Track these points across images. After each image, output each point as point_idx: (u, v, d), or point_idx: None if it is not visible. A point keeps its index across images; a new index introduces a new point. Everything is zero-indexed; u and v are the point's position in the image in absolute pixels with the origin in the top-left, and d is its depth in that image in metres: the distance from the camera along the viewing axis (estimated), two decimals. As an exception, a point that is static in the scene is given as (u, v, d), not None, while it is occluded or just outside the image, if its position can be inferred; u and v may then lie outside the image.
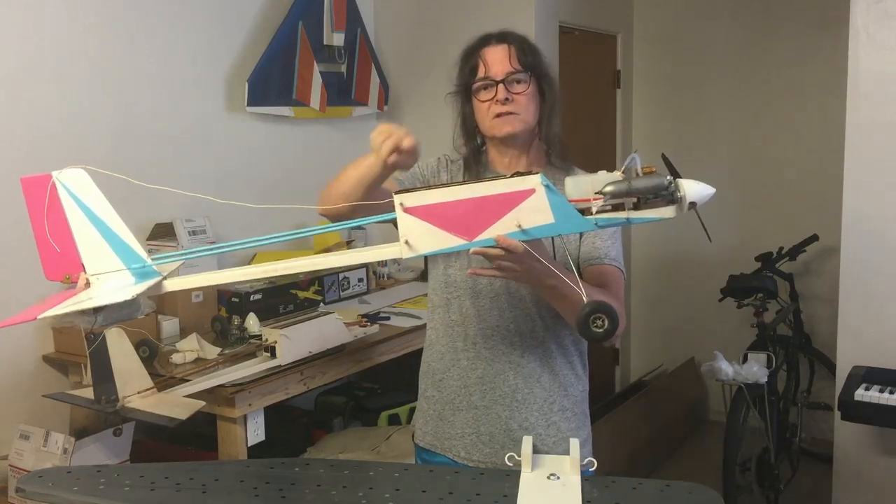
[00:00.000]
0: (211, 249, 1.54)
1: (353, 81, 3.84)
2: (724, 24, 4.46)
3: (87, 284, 1.40)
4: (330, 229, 1.57)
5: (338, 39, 3.69)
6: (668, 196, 1.34)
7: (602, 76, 4.64)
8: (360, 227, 3.75)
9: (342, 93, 3.80)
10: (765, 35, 4.34)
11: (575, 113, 4.10)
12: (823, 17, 4.07)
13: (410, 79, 4.03)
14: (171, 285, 1.43)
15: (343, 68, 3.78)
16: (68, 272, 1.41)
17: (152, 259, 1.42)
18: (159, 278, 1.41)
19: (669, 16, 4.65)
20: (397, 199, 1.35)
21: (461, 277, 1.86)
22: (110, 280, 1.41)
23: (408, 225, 1.35)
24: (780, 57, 4.31)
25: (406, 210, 1.35)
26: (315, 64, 3.59)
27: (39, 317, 1.35)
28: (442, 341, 1.93)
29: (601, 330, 1.34)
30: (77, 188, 1.39)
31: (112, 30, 2.98)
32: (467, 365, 1.88)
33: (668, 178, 1.34)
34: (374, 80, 3.92)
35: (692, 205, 1.35)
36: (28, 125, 2.74)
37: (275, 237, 1.47)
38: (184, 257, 1.49)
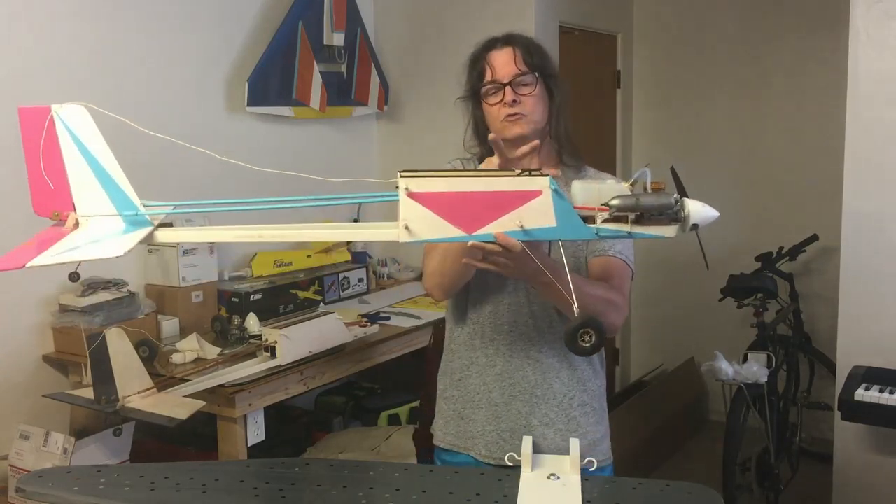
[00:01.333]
0: (206, 205, 1.50)
1: (353, 81, 3.84)
2: (725, 24, 4.45)
3: (76, 225, 1.35)
4: (331, 202, 1.54)
5: (338, 39, 3.69)
6: (672, 214, 1.34)
7: (602, 76, 4.64)
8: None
9: (342, 93, 3.80)
10: (765, 35, 4.34)
11: (575, 113, 4.04)
12: (823, 18, 4.07)
13: (410, 79, 4.03)
14: (163, 236, 1.39)
15: (343, 68, 3.78)
16: (58, 209, 1.35)
17: (145, 207, 1.37)
18: (150, 228, 1.37)
19: (669, 16, 4.64)
20: (402, 182, 1.33)
21: (477, 274, 1.86)
22: (100, 223, 1.35)
23: (410, 210, 1.33)
24: (781, 57, 4.31)
25: (410, 195, 1.33)
26: (315, 64, 3.59)
27: (28, 265, 1.27)
28: (459, 339, 1.94)
29: (588, 345, 1.33)
30: (75, 125, 1.35)
31: (112, 30, 2.98)
32: (486, 362, 1.89)
33: (676, 196, 1.34)
34: (374, 80, 3.92)
35: (694, 226, 1.35)
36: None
37: (273, 200, 1.44)
38: (176, 210, 1.42)
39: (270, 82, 3.46)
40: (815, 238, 3.94)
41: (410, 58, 4.02)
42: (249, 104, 3.40)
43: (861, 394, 2.60)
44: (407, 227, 1.34)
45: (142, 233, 1.35)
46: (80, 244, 1.31)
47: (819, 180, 4.08)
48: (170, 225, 1.42)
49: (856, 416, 2.64)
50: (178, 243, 2.97)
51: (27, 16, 2.75)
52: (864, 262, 2.79)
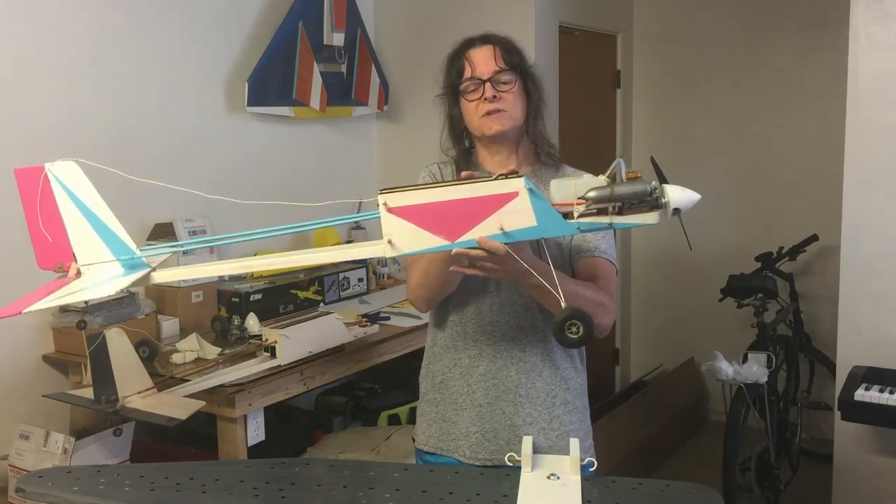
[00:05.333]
0: (201, 241, 1.55)
1: (353, 81, 3.83)
2: (724, 24, 4.45)
3: (79, 274, 1.42)
4: (327, 224, 1.56)
5: (338, 39, 3.69)
6: (652, 201, 1.35)
7: (602, 76, 4.64)
8: (359, 227, 3.77)
9: (342, 93, 3.80)
10: (765, 35, 4.34)
11: (575, 113, 4.11)
12: (823, 17, 4.07)
13: (410, 79, 4.03)
14: (159, 277, 1.45)
15: (343, 68, 3.78)
16: (60, 261, 1.43)
17: (141, 250, 1.44)
18: (147, 270, 1.43)
19: (669, 16, 4.64)
20: (381, 198, 1.36)
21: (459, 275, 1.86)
22: (101, 270, 1.42)
23: (391, 224, 1.36)
24: (780, 57, 4.30)
25: (390, 210, 1.36)
26: (315, 64, 3.59)
27: (25, 311, 1.37)
28: (441, 341, 1.93)
29: (576, 336, 1.35)
30: (68, 180, 1.41)
31: (112, 30, 2.98)
32: (469, 363, 1.88)
33: (653, 183, 1.35)
34: (374, 80, 3.92)
35: (676, 211, 1.36)
36: (28, 125, 2.73)
37: (270, 230, 1.47)
38: (172, 250, 1.51)
39: (270, 82, 3.46)
40: (815, 238, 3.94)
41: (410, 58, 4.02)
42: (249, 104, 3.40)
43: (861, 394, 2.60)
44: (390, 242, 1.37)
45: (137, 275, 1.42)
46: (77, 290, 1.39)
47: (819, 180, 4.08)
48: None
49: (856, 416, 2.64)
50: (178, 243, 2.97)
51: (27, 16, 2.75)
52: (864, 262, 2.79)
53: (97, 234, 1.42)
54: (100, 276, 1.42)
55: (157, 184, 1.55)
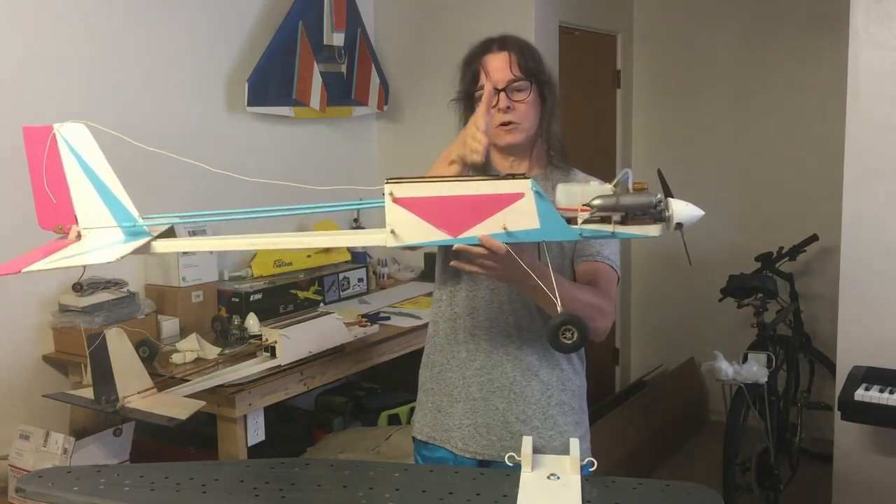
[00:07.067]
0: (204, 215, 1.55)
1: (353, 81, 3.84)
2: (724, 24, 4.45)
3: (79, 236, 1.42)
4: (325, 210, 1.55)
5: (338, 39, 3.69)
6: (655, 214, 1.36)
7: (602, 76, 4.64)
8: (360, 226, 3.77)
9: (342, 93, 3.80)
10: (765, 35, 4.34)
11: (575, 113, 4.10)
12: (823, 17, 4.07)
13: (410, 79, 4.03)
14: (160, 247, 1.45)
15: (343, 68, 3.78)
16: (61, 222, 1.42)
17: (143, 219, 1.44)
18: (148, 238, 1.43)
19: (669, 16, 4.64)
20: (387, 188, 1.36)
21: (461, 271, 1.87)
22: (101, 235, 1.42)
23: (395, 215, 1.37)
24: (780, 56, 4.30)
25: (395, 200, 1.36)
26: (315, 64, 3.59)
27: (25, 271, 1.34)
28: (442, 333, 1.95)
29: (570, 342, 1.36)
30: (76, 142, 1.42)
31: (112, 30, 2.98)
32: (466, 356, 1.90)
33: (658, 196, 1.36)
34: (374, 80, 3.92)
35: (679, 225, 1.37)
36: (27, 125, 2.73)
37: (271, 210, 1.48)
38: (174, 221, 1.50)
39: (270, 82, 3.46)
40: (815, 238, 3.94)
41: (410, 58, 4.02)
42: (249, 104, 3.40)
43: (861, 394, 2.60)
44: (393, 232, 1.37)
45: (138, 243, 1.42)
46: (77, 253, 1.38)
47: (819, 180, 4.08)
48: (172, 233, 1.45)
49: (856, 416, 2.64)
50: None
51: (29, 16, 2.75)
52: (864, 262, 2.79)
53: (101, 199, 1.41)
54: (100, 241, 1.41)
55: (157, 151, 1.56)
